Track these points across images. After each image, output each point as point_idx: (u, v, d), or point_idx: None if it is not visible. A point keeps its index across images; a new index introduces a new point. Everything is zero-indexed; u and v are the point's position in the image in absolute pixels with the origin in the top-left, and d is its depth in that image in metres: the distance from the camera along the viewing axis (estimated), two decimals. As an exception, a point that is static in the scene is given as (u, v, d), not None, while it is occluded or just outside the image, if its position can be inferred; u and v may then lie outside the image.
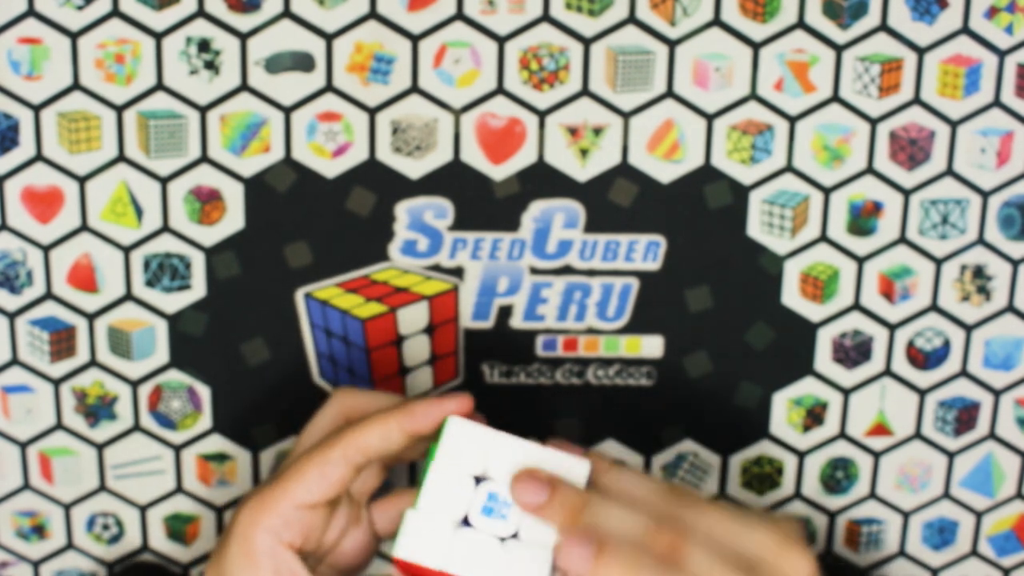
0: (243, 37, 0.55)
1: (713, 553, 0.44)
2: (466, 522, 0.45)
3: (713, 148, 0.58)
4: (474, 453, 0.46)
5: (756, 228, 0.59)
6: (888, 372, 0.61)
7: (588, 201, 0.58)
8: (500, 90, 0.57)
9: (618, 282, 0.59)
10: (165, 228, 0.57)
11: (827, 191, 0.59)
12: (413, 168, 0.57)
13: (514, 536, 0.45)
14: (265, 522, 0.47)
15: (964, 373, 0.62)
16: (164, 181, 0.57)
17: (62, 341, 0.58)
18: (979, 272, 0.60)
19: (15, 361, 0.58)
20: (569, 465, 0.46)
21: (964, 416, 0.62)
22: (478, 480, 0.46)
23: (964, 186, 0.59)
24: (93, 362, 0.59)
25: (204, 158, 0.56)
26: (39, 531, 0.61)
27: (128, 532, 0.61)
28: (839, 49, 0.57)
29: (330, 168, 0.57)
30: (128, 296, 0.58)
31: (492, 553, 0.45)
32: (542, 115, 0.57)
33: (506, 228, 0.58)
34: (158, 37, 0.55)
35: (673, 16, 0.56)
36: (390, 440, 0.47)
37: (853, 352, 0.61)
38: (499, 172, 0.58)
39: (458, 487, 0.46)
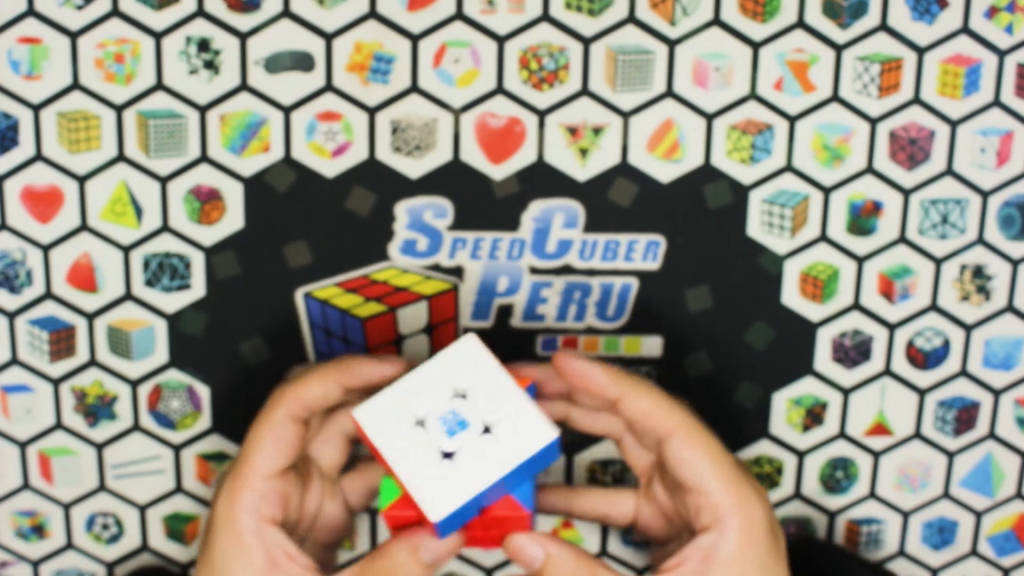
0: (243, 37, 0.55)
1: None
2: (421, 423, 0.46)
3: (713, 148, 0.58)
4: (466, 372, 0.47)
5: (756, 228, 0.59)
6: (888, 372, 0.61)
7: (588, 201, 0.58)
8: (500, 90, 0.57)
9: (618, 282, 0.59)
10: (165, 228, 0.57)
11: (827, 191, 0.59)
12: (413, 168, 0.57)
13: (450, 457, 0.46)
14: (243, 502, 0.47)
15: (964, 373, 0.62)
16: (164, 181, 0.57)
17: (62, 341, 0.58)
18: (979, 272, 0.60)
19: (15, 361, 0.58)
20: (536, 428, 0.46)
21: (964, 416, 0.62)
22: (455, 396, 0.47)
23: (964, 186, 0.59)
24: (93, 362, 0.59)
25: (204, 158, 0.56)
26: (39, 531, 0.61)
27: (128, 532, 0.61)
28: (839, 49, 0.57)
29: (330, 168, 0.57)
30: (128, 296, 0.58)
31: (427, 460, 0.46)
32: (542, 115, 0.57)
33: (506, 228, 0.58)
34: (158, 37, 0.55)
35: (673, 16, 0.56)
36: (327, 392, 0.49)
37: (853, 352, 0.61)
38: (499, 172, 0.58)
39: (435, 390, 0.47)
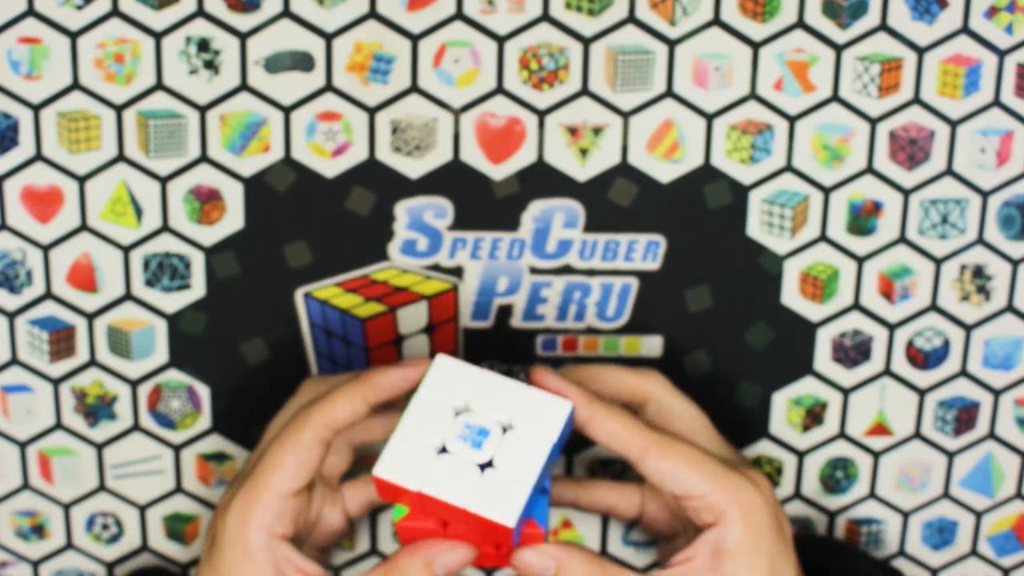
0: (243, 37, 0.55)
1: None
2: (444, 450, 0.46)
3: (713, 148, 0.58)
4: (457, 388, 0.47)
5: (756, 228, 0.59)
6: (888, 372, 0.61)
7: (588, 201, 0.58)
8: (500, 90, 0.57)
9: (618, 282, 0.59)
10: (165, 228, 0.57)
11: (827, 191, 0.59)
12: (413, 168, 0.57)
13: (490, 465, 0.46)
14: (256, 520, 0.47)
15: (964, 373, 0.62)
16: (164, 181, 0.57)
17: (62, 341, 0.58)
18: (979, 272, 0.60)
19: (15, 361, 0.58)
20: (549, 406, 0.46)
21: (964, 416, 0.62)
22: (458, 413, 0.47)
23: (964, 186, 0.59)
24: (93, 362, 0.59)
25: (204, 158, 0.56)
26: (38, 531, 0.61)
27: (128, 532, 0.61)
28: (839, 49, 0.57)
29: (330, 168, 0.57)
30: (128, 296, 0.58)
31: (470, 478, 0.45)
32: (542, 115, 0.57)
33: (506, 228, 0.58)
34: (158, 37, 0.55)
35: (673, 16, 0.56)
36: (355, 411, 0.49)
37: (853, 352, 0.61)
38: (499, 172, 0.58)
39: (438, 416, 0.46)
